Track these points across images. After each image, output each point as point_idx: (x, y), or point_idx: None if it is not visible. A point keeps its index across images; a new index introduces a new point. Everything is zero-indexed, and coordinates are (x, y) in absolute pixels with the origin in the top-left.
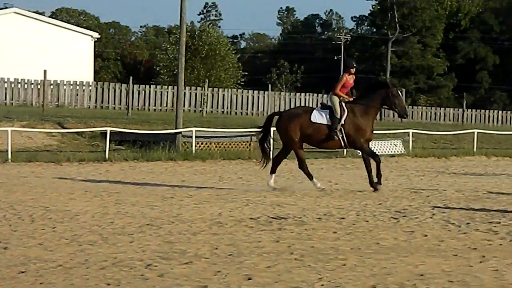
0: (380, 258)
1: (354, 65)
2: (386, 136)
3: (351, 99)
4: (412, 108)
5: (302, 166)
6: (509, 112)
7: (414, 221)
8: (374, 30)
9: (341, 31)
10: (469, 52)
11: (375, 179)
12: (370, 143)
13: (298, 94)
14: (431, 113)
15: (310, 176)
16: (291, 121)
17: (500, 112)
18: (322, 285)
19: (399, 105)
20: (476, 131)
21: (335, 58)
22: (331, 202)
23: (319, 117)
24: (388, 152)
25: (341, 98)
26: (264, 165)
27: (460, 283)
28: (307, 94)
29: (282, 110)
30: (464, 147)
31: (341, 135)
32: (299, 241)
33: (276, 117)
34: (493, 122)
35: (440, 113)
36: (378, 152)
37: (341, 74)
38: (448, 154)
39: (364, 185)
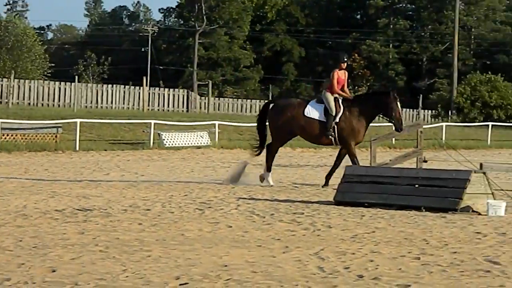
0: (185, 249)
1: (345, 59)
2: (192, 127)
3: (350, 97)
4: (219, 100)
5: (268, 158)
6: None
7: (219, 212)
8: (182, 22)
9: (149, 22)
10: (276, 44)
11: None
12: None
13: (105, 86)
14: (237, 105)
15: (268, 169)
16: (283, 112)
17: None
18: (127, 276)
19: (395, 116)
20: None
21: (143, 50)
22: (137, 194)
23: (313, 112)
24: (195, 143)
25: (339, 95)
26: (258, 152)
27: (263, 274)
28: (114, 86)
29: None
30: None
31: (334, 133)
32: (104, 233)
33: (271, 105)
34: None
35: (246, 105)
36: (185, 144)
37: (332, 71)
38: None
39: (170, 176)
